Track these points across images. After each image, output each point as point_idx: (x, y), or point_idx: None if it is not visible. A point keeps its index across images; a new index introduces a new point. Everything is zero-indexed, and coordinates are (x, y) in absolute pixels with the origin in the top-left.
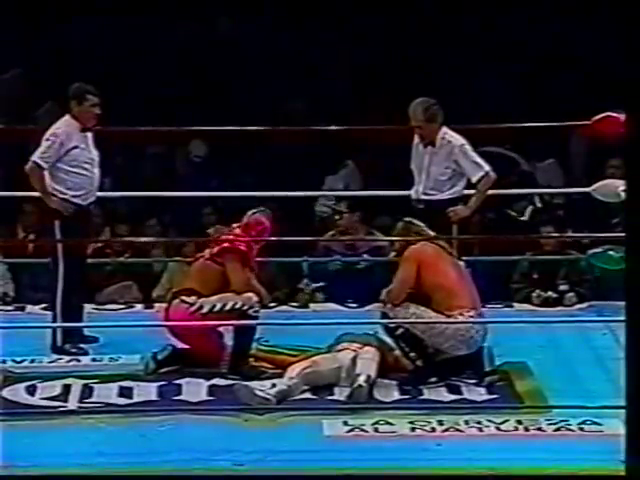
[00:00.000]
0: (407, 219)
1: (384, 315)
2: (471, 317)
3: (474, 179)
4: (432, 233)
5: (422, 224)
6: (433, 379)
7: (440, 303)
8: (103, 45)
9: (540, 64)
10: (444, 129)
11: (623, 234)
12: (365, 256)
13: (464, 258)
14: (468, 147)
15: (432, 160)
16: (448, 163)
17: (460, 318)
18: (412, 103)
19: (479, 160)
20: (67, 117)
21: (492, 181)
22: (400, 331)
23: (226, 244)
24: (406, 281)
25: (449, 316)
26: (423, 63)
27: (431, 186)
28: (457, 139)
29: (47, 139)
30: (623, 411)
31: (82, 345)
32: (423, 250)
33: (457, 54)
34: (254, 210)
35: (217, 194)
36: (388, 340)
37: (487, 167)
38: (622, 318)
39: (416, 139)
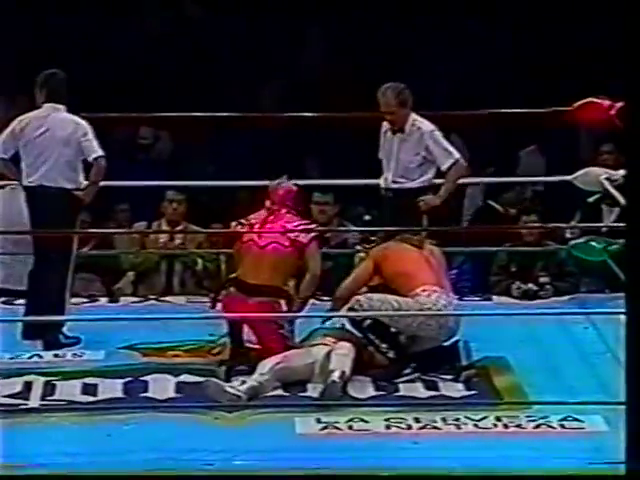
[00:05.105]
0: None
1: (350, 309)
2: (435, 292)
3: (444, 167)
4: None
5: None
6: (407, 370)
7: (401, 287)
8: (74, 33)
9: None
10: (413, 115)
11: (602, 224)
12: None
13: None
14: (438, 133)
15: (401, 147)
16: (418, 150)
17: (424, 294)
18: (381, 88)
19: (449, 147)
20: (51, 105)
21: (463, 169)
22: (367, 322)
23: (311, 234)
24: (359, 278)
25: (413, 295)
26: (405, 47)
27: (400, 174)
28: (427, 125)
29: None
30: (605, 407)
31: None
32: (383, 247)
33: (439, 37)
34: (277, 181)
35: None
36: (358, 334)
37: (457, 154)
38: (604, 310)
39: (384, 127)
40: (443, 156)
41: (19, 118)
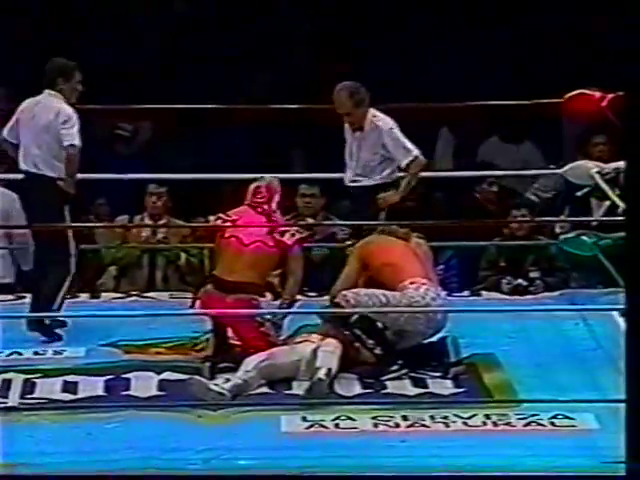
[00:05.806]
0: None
1: (336, 304)
2: (424, 285)
3: (403, 164)
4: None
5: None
6: (395, 367)
7: (389, 279)
8: (60, 24)
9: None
10: (372, 111)
11: (593, 218)
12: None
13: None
14: (397, 130)
15: (362, 146)
16: (377, 149)
17: (412, 286)
18: (335, 89)
19: (408, 144)
20: (48, 92)
21: (422, 165)
22: (354, 318)
23: (299, 235)
24: (349, 277)
25: (401, 288)
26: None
27: (359, 172)
28: (386, 122)
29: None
30: (596, 405)
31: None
32: (367, 242)
33: (434, 26)
34: (257, 184)
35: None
36: (344, 330)
37: (416, 151)
38: (595, 306)
39: (346, 125)
40: (401, 154)
41: (21, 105)
